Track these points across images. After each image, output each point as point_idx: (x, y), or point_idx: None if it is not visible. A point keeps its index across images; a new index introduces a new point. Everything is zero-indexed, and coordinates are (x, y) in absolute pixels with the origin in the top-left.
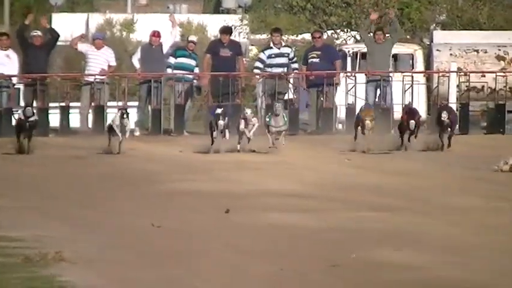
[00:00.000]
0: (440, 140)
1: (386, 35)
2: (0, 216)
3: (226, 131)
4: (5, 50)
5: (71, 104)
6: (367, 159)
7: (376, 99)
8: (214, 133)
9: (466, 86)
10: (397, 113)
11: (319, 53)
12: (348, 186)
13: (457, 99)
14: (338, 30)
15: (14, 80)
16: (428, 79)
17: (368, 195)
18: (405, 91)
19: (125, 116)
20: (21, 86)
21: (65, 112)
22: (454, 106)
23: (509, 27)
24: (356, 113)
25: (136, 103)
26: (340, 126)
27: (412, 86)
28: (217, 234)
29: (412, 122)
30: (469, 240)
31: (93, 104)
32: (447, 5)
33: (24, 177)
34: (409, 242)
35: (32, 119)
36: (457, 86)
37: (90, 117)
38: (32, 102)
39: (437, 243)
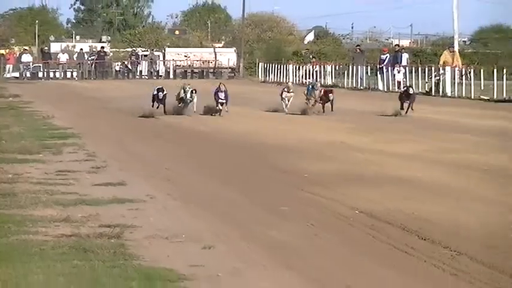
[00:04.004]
0: None
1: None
2: (34, 105)
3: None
4: (26, 53)
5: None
6: None
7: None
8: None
9: (178, 66)
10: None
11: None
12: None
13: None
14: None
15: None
16: (165, 63)
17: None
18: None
19: (193, 92)
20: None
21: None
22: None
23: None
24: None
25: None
26: None
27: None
28: (107, 115)
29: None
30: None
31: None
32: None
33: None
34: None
35: (163, 93)
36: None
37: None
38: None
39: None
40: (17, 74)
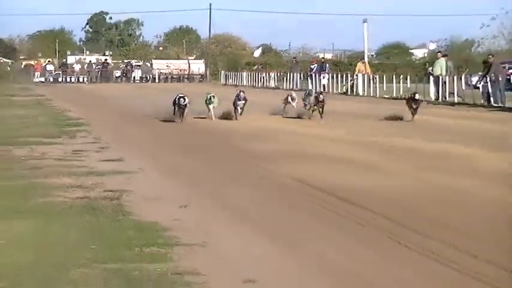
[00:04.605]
0: None
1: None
2: (55, 101)
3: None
4: (49, 64)
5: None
6: None
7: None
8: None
9: (161, 73)
10: None
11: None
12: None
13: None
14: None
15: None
16: (152, 71)
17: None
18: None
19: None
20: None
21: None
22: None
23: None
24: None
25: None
26: None
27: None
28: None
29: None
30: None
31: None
32: (156, 52)
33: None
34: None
35: (185, 103)
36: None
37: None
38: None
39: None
40: (42, 79)
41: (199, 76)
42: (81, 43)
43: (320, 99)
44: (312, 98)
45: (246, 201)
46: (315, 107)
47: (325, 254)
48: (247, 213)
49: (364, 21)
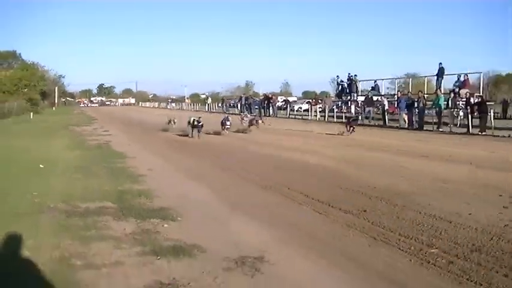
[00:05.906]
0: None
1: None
2: (87, 113)
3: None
4: (86, 100)
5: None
6: None
7: None
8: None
9: (122, 103)
10: None
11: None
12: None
13: None
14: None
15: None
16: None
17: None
18: None
19: (200, 119)
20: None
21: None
22: None
23: None
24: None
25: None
26: None
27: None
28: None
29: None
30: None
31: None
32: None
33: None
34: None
35: (200, 123)
36: None
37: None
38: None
39: None
40: (84, 106)
41: (133, 104)
42: (96, 93)
43: (256, 120)
44: (246, 119)
45: (157, 146)
46: (253, 124)
47: (186, 163)
48: (155, 150)
49: (185, 86)
